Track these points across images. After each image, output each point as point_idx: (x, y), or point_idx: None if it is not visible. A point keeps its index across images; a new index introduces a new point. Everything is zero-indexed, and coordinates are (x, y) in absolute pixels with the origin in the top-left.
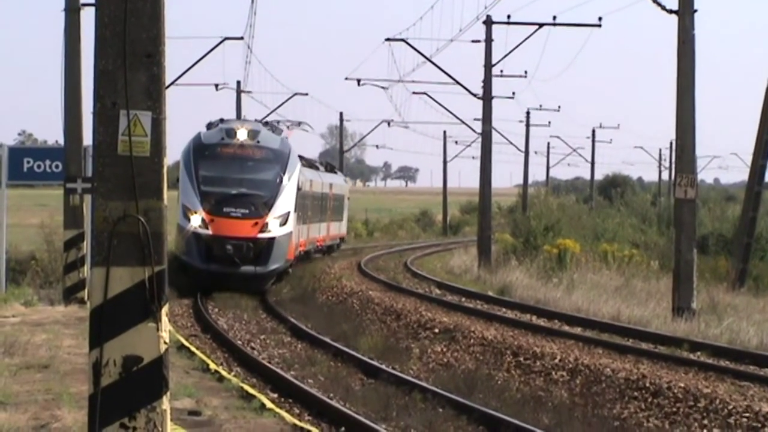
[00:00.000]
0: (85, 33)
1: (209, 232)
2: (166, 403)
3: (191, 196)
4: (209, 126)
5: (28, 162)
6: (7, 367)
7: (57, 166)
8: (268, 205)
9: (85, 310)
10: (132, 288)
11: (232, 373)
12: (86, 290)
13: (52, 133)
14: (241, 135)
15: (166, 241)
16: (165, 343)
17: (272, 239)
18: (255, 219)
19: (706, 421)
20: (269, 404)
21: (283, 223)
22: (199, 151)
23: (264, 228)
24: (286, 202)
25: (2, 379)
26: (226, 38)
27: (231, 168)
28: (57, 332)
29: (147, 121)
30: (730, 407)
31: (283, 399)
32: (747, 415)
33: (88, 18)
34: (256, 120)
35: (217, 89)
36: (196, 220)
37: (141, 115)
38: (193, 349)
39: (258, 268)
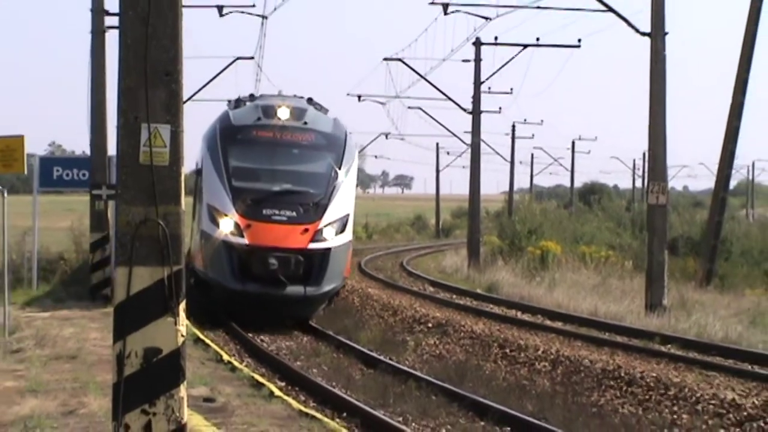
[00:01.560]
0: (109, 53)
1: (245, 241)
2: (183, 391)
3: (220, 195)
4: (237, 103)
5: (58, 171)
6: (38, 357)
7: (84, 175)
8: (322, 207)
9: (110, 306)
10: (152, 286)
11: (244, 364)
12: (110, 288)
13: (80, 145)
14: (283, 114)
15: (183, 243)
16: (182, 336)
17: (327, 251)
18: (305, 224)
19: (675, 408)
20: (277, 392)
21: (341, 230)
22: (229, 135)
23: (317, 236)
24: (343, 202)
25: (34, 369)
26: (239, 58)
27: (271, 157)
28: (84, 326)
29: (166, 133)
30: (698, 395)
31: (290, 387)
32: (713, 402)
33: (112, 40)
34: (296, 96)
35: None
36: (227, 226)
37: (161, 128)
38: (208, 341)
39: (309, 288)
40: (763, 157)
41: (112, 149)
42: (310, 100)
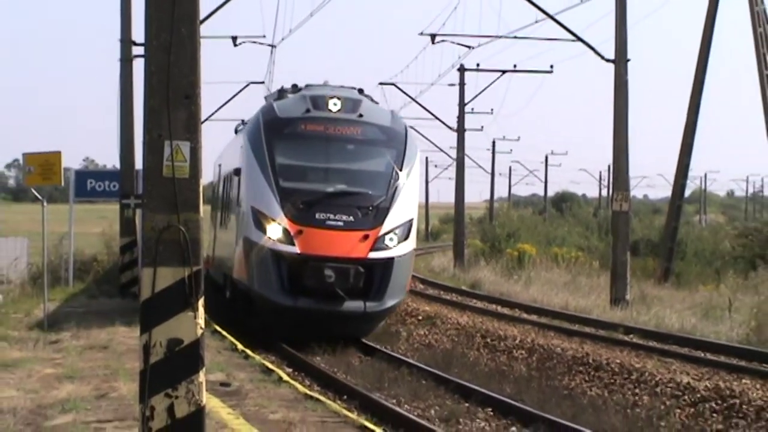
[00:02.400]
0: (136, 79)
1: (295, 249)
2: (202, 377)
3: (266, 196)
4: (281, 94)
5: (91, 182)
6: (74, 348)
7: (114, 186)
8: (382, 211)
9: (137, 302)
10: (174, 284)
11: (256, 352)
12: (137, 286)
13: (111, 159)
14: (335, 105)
15: (201, 246)
16: (201, 328)
17: (390, 261)
18: (364, 230)
19: (637, 390)
20: (285, 377)
21: (405, 237)
22: (275, 128)
23: (378, 244)
24: (406, 205)
25: (70, 358)
26: (251, 83)
27: (323, 153)
28: (114, 320)
29: (186, 149)
30: (657, 379)
31: (296, 373)
32: (670, 385)
33: (139, 67)
34: (343, 87)
35: (243, 124)
36: (275, 232)
37: (181, 145)
38: (224, 333)
39: (369, 304)
40: (714, 169)
41: (139, 163)
42: (361, 92)
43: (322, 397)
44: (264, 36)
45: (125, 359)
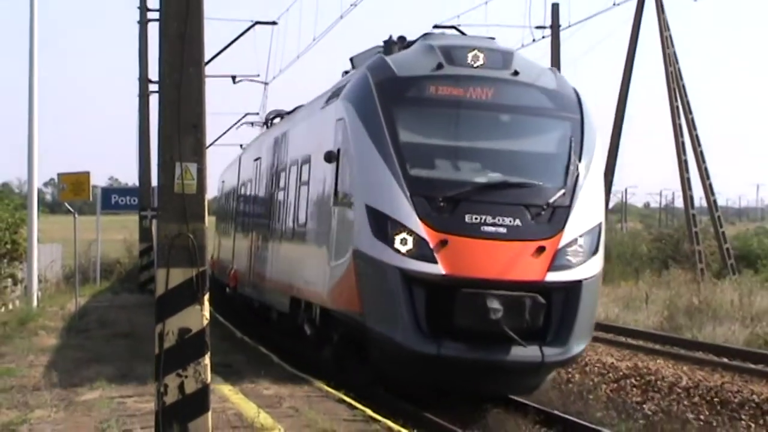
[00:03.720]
0: (152, 111)
1: (439, 269)
2: (207, 359)
3: (389, 190)
4: (389, 47)
5: (115, 197)
6: (100, 335)
7: (134, 200)
8: (562, 210)
9: (153, 297)
10: (184, 282)
11: (253, 339)
12: (154, 284)
13: (131, 178)
14: (477, 59)
15: (207, 251)
16: (206, 319)
17: (576, 286)
18: (539, 240)
19: (570, 370)
20: (277, 360)
21: (593, 250)
22: (394, 92)
23: (558, 260)
24: (592, 202)
25: (97, 344)
26: (247, 113)
27: (468, 128)
28: (134, 312)
29: (194, 170)
30: (587, 360)
31: (285, 356)
32: (597, 365)
33: (153, 101)
34: (480, 36)
35: (242, 148)
36: (405, 243)
37: (190, 166)
38: (226, 323)
39: (549, 350)
40: (633, 184)
41: (154, 181)
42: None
43: (308, 376)
44: (258, 75)
45: (144, 345)
